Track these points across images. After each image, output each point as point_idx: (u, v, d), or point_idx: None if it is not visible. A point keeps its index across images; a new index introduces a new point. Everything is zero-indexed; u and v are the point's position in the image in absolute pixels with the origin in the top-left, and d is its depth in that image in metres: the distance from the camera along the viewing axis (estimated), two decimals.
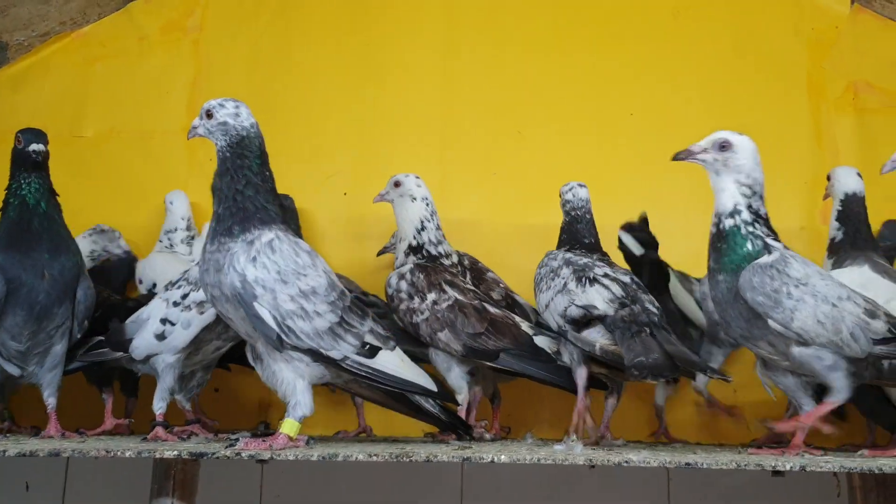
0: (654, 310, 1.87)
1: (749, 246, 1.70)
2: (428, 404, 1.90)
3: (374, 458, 1.60)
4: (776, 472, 2.38)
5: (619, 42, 2.79)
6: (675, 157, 1.82)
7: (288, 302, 1.64)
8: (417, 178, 2.22)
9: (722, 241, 1.73)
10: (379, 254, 2.55)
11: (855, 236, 2.09)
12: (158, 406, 1.98)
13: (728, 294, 1.70)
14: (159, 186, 2.68)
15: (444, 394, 1.85)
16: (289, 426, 1.69)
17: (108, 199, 2.73)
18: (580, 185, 2.19)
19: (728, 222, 1.72)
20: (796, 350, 1.67)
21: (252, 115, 1.79)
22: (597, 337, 1.86)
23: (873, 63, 2.70)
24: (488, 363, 2.01)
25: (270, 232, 1.69)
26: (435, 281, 2.08)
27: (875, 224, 2.27)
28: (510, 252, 2.58)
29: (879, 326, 1.67)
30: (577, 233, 2.16)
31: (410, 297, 2.06)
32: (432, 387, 1.80)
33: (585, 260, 2.04)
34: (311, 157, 2.75)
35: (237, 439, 1.70)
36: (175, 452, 1.63)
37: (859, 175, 2.19)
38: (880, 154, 2.61)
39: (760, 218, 1.74)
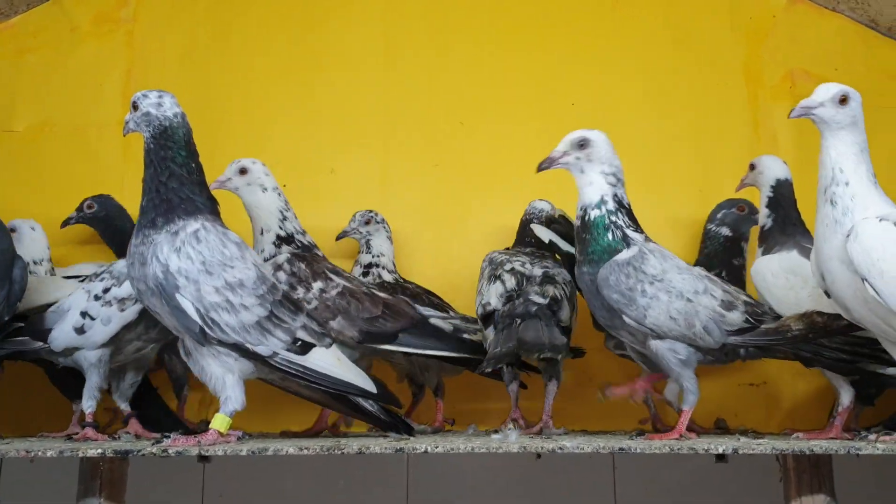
0: (540, 300, 1.87)
1: (609, 236, 1.77)
2: (367, 405, 1.83)
3: (306, 452, 1.57)
4: (720, 458, 2.43)
5: (560, 32, 2.77)
6: (539, 168, 1.88)
7: (212, 294, 1.60)
8: (264, 165, 2.15)
9: (587, 233, 1.80)
10: (339, 238, 2.47)
11: (784, 222, 2.07)
12: (88, 405, 1.92)
13: (592, 286, 1.77)
14: (94, 182, 2.60)
15: (384, 395, 1.80)
16: (219, 421, 1.65)
17: (41, 195, 2.64)
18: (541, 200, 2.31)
19: (594, 213, 1.79)
20: (652, 343, 1.76)
21: (178, 104, 1.75)
22: (490, 333, 1.89)
23: (810, 51, 2.71)
24: (387, 346, 1.97)
25: (196, 222, 1.65)
26: (318, 269, 2.01)
27: None
28: (452, 242, 2.56)
29: (735, 318, 1.74)
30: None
31: (293, 288, 1.95)
32: (371, 388, 1.75)
33: (505, 256, 2.06)
34: (249, 149, 2.64)
35: (168, 436, 1.66)
36: (99, 451, 1.58)
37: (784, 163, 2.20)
38: (817, 141, 2.66)
39: (623, 207, 1.81)
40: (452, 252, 2.51)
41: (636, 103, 2.69)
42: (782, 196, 2.12)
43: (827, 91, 1.66)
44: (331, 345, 1.74)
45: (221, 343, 1.62)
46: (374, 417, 1.85)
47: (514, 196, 2.56)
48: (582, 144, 1.82)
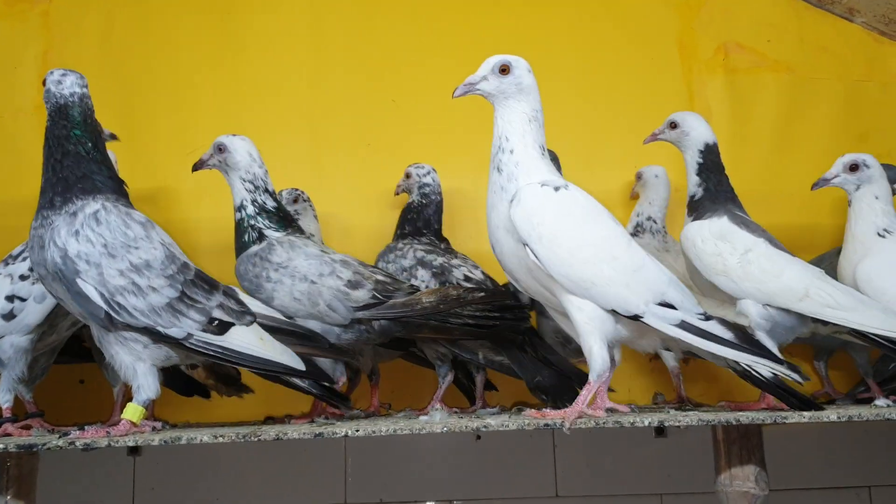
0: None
1: (246, 237, 1.92)
2: (300, 382, 1.79)
3: (220, 440, 1.51)
4: (659, 433, 2.43)
5: (494, 9, 2.73)
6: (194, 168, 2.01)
7: (117, 277, 1.52)
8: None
9: (236, 232, 1.95)
10: None
11: (717, 189, 1.98)
12: (5, 399, 1.82)
13: None
14: (10, 168, 2.51)
15: (313, 372, 1.73)
16: (131, 411, 1.58)
17: None
18: (434, 170, 2.29)
19: (237, 216, 1.95)
20: (299, 321, 1.86)
21: (81, 84, 1.67)
22: None
23: (743, 24, 2.71)
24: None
25: (96, 203, 1.57)
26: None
27: None
28: (383, 222, 2.50)
29: (361, 294, 1.85)
30: (429, 219, 2.22)
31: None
32: (298, 365, 1.68)
33: (441, 259, 2.09)
34: (173, 132, 2.61)
35: (82, 428, 1.59)
36: (1, 446, 1.50)
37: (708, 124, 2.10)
38: (752, 113, 2.68)
39: (265, 210, 1.94)
40: (385, 232, 2.44)
41: (570, 79, 2.65)
42: (712, 162, 2.01)
43: (487, 64, 1.64)
44: (251, 323, 1.67)
45: (130, 328, 1.55)
46: (306, 391, 1.81)
47: (447, 175, 2.52)
48: (220, 149, 1.97)
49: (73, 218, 1.53)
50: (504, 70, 1.62)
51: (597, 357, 1.53)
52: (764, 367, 1.56)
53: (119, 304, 1.52)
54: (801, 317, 1.79)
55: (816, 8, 2.71)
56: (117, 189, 1.63)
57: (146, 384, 1.59)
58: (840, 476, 2.46)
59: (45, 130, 1.61)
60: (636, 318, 1.53)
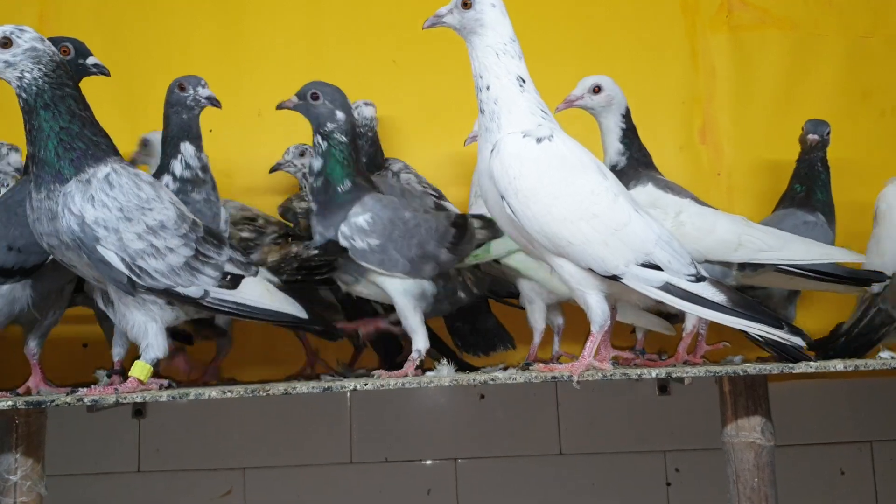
0: None
1: None
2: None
3: (229, 395, 1.50)
4: (662, 390, 2.45)
5: None
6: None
7: (135, 241, 1.51)
8: None
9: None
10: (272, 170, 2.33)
11: (638, 156, 1.95)
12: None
13: None
14: (6, 130, 2.44)
15: (315, 320, 1.73)
16: (139, 369, 1.58)
17: None
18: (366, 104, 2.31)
19: None
20: None
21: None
22: None
23: None
24: None
25: (106, 167, 1.53)
26: None
27: None
28: None
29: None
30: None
31: None
32: (302, 314, 1.69)
33: None
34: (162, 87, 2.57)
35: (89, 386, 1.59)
36: (9, 404, 1.50)
37: None
38: (756, 70, 2.66)
39: None
40: None
41: (572, 39, 2.62)
42: (632, 128, 1.98)
43: None
44: (257, 273, 1.67)
45: (151, 290, 1.54)
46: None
47: (447, 136, 2.51)
48: None
49: (87, 185, 1.48)
50: (466, 4, 1.54)
51: (595, 309, 1.52)
52: (760, 332, 1.52)
53: (140, 268, 1.50)
54: (730, 265, 1.85)
55: None
56: (116, 150, 1.60)
57: (155, 343, 1.59)
58: (842, 431, 2.48)
59: (39, 93, 1.50)
60: (615, 278, 1.50)
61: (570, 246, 1.48)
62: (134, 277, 1.51)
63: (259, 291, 1.65)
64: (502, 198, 1.50)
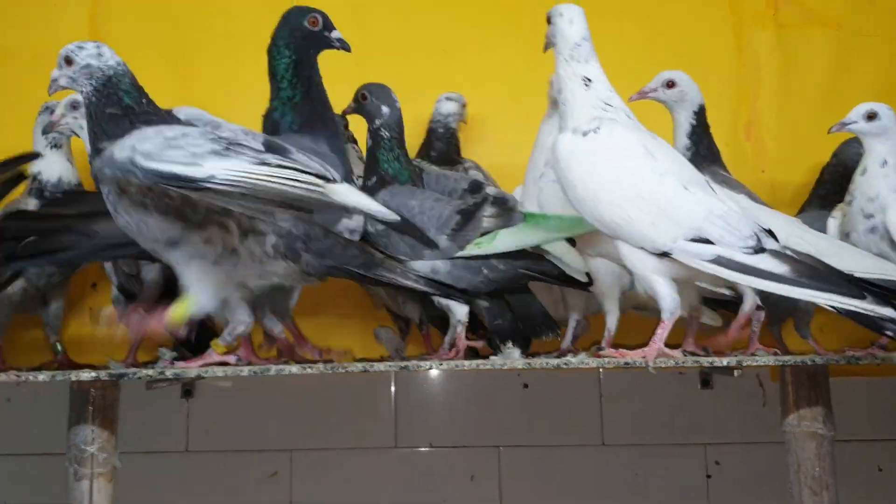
0: None
1: None
2: None
3: (309, 370, 1.54)
4: (704, 384, 2.47)
5: None
6: None
7: None
8: None
9: None
10: None
11: (705, 152, 2.02)
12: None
13: None
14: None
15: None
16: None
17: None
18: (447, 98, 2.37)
19: None
20: None
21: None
22: None
23: None
24: None
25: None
26: None
27: None
28: None
29: None
30: None
31: None
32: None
33: None
34: (221, 92, 2.55)
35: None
36: (92, 375, 1.53)
37: None
38: (801, 69, 2.68)
39: None
40: None
41: (623, 31, 2.63)
42: (703, 124, 2.06)
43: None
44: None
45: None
46: None
47: (498, 128, 2.54)
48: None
49: None
50: (547, 21, 1.68)
51: (664, 296, 1.55)
52: (835, 304, 1.48)
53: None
54: None
55: None
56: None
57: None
58: (879, 428, 2.50)
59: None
60: (665, 255, 1.54)
61: (620, 228, 1.55)
62: None
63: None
64: (564, 191, 1.59)
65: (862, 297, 1.47)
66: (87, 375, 1.52)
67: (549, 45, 1.68)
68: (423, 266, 1.80)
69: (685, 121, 2.04)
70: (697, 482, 2.47)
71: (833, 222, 2.06)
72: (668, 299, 1.56)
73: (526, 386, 2.50)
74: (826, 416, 1.66)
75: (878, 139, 1.98)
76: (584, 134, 1.58)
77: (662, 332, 1.56)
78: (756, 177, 2.60)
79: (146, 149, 1.39)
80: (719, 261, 1.51)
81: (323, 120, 1.78)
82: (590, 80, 1.63)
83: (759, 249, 1.52)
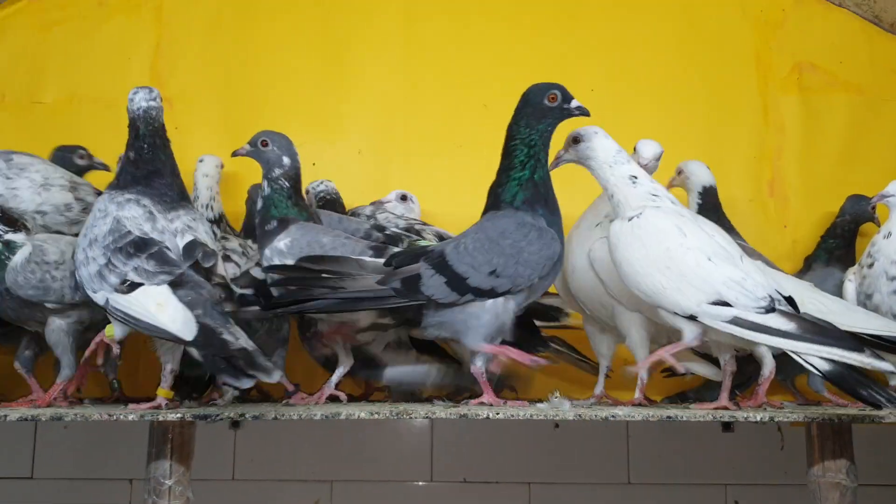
0: None
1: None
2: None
3: (376, 416, 1.67)
4: (726, 427, 2.59)
5: (580, 20, 2.87)
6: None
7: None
8: None
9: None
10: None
11: (717, 223, 2.10)
12: None
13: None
14: (119, 154, 2.66)
15: (201, 342, 1.66)
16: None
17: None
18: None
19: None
20: None
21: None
22: None
23: (817, 45, 2.85)
24: None
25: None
26: None
27: None
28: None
29: None
30: None
31: None
32: (184, 335, 1.64)
33: None
34: (276, 126, 2.72)
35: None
36: (178, 415, 1.66)
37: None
38: (823, 130, 2.83)
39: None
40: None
41: (652, 89, 2.80)
42: (709, 201, 2.34)
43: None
44: (162, 283, 1.71)
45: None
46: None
47: None
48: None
49: None
50: (576, 140, 1.89)
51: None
52: (835, 356, 1.63)
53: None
54: None
55: (887, 32, 2.85)
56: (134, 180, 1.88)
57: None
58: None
59: None
60: (693, 318, 1.71)
61: (656, 295, 1.74)
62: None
63: (148, 302, 1.68)
64: (616, 269, 1.82)
65: (861, 351, 1.62)
66: (173, 415, 1.66)
67: (582, 160, 1.88)
68: None
69: (693, 200, 2.38)
70: None
71: (850, 286, 2.20)
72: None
73: (557, 426, 2.63)
74: (849, 469, 1.78)
75: None
76: (630, 220, 1.79)
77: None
78: (779, 231, 2.75)
79: None
80: (736, 321, 1.69)
81: (545, 198, 1.87)
82: (635, 177, 1.84)
83: (771, 309, 1.69)
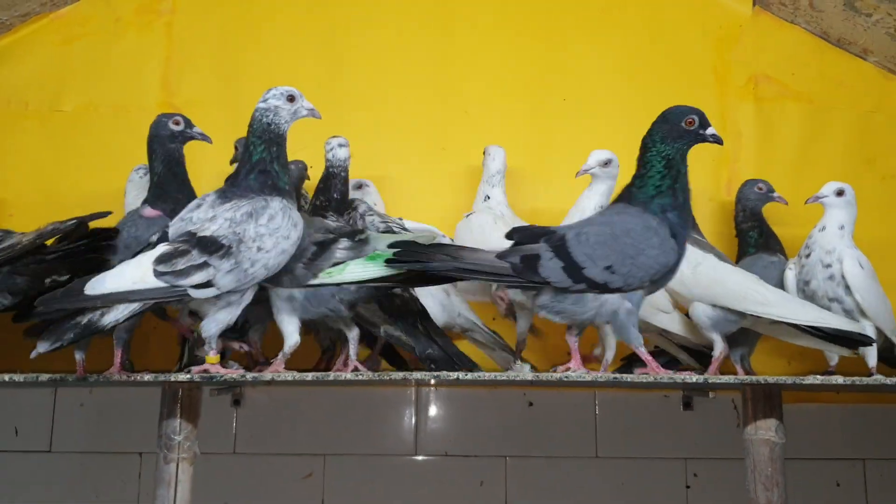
0: None
1: None
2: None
3: (360, 377, 1.92)
4: (686, 406, 2.83)
5: (554, 33, 3.12)
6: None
7: None
8: None
9: None
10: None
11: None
12: None
13: None
14: (133, 158, 2.83)
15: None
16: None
17: (87, 170, 2.93)
18: (340, 145, 2.48)
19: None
20: None
21: None
22: None
23: (771, 58, 3.10)
24: None
25: None
26: None
27: None
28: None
29: None
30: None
31: None
32: None
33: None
34: None
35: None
36: (187, 377, 1.91)
37: None
38: (776, 136, 3.08)
39: None
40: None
41: (619, 99, 3.04)
42: None
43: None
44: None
45: None
46: None
47: (514, 182, 2.93)
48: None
49: None
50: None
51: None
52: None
53: None
54: (742, 314, 2.23)
55: (836, 47, 3.09)
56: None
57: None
58: (837, 448, 2.86)
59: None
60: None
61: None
62: None
63: None
64: None
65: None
66: (182, 377, 1.91)
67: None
68: (283, 293, 1.97)
69: None
70: (678, 492, 2.84)
71: (790, 274, 2.45)
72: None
73: (531, 404, 2.87)
74: (778, 427, 2.03)
75: (840, 209, 2.43)
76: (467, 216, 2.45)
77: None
78: (734, 227, 2.98)
79: None
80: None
81: (681, 207, 1.99)
82: (488, 196, 2.58)
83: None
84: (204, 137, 2.26)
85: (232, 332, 2.14)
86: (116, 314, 1.80)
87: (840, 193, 2.48)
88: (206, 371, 1.91)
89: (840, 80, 3.10)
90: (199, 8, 3.08)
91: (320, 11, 3.10)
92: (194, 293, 1.82)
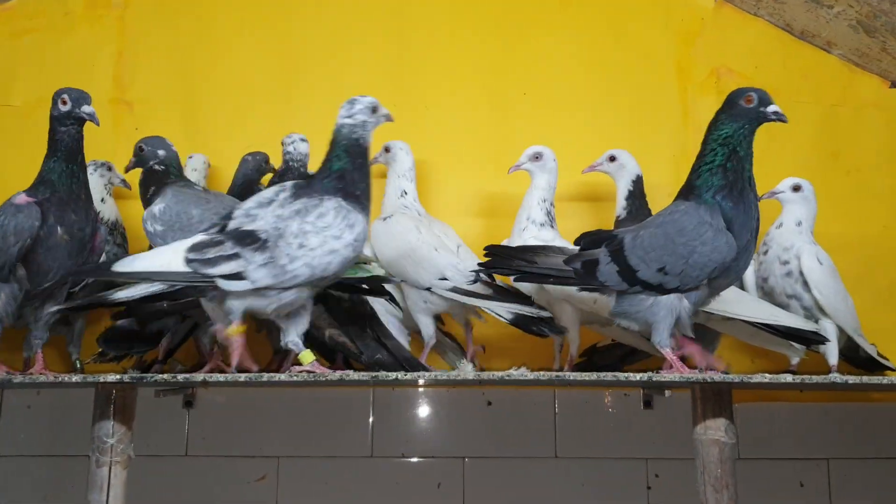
0: None
1: None
2: None
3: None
4: (647, 405, 2.79)
5: (515, 27, 3.08)
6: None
7: None
8: None
9: None
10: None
11: (638, 212, 2.42)
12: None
13: None
14: (87, 153, 2.83)
15: None
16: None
17: (36, 165, 2.79)
18: (301, 140, 2.63)
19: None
20: None
21: None
22: None
23: (733, 51, 3.06)
24: None
25: None
26: None
27: None
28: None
29: None
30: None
31: None
32: None
33: None
34: (231, 137, 2.93)
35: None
36: (117, 378, 1.85)
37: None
38: None
39: None
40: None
41: (580, 94, 3.01)
42: (639, 190, 2.51)
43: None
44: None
45: None
46: None
47: (475, 177, 2.89)
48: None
49: None
50: (387, 150, 2.56)
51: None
52: (511, 309, 2.21)
53: None
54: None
55: (799, 40, 3.06)
56: None
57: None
58: (801, 449, 2.82)
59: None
60: (428, 289, 2.26)
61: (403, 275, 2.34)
62: None
63: None
64: None
65: (531, 305, 2.23)
66: (112, 378, 1.85)
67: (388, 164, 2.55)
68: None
69: (624, 187, 2.52)
70: (639, 492, 2.78)
71: (749, 271, 2.40)
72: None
73: (490, 403, 2.82)
74: (728, 427, 1.98)
75: (797, 205, 2.39)
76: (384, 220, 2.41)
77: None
78: None
79: None
80: (454, 290, 2.23)
81: (740, 190, 1.90)
82: (405, 192, 2.53)
83: (475, 281, 2.22)
84: (92, 118, 2.17)
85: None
86: (131, 291, 1.85)
87: (797, 189, 2.44)
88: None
89: (804, 73, 3.07)
90: (152, 2, 3.04)
91: (273, 5, 3.05)
92: (223, 284, 1.81)
